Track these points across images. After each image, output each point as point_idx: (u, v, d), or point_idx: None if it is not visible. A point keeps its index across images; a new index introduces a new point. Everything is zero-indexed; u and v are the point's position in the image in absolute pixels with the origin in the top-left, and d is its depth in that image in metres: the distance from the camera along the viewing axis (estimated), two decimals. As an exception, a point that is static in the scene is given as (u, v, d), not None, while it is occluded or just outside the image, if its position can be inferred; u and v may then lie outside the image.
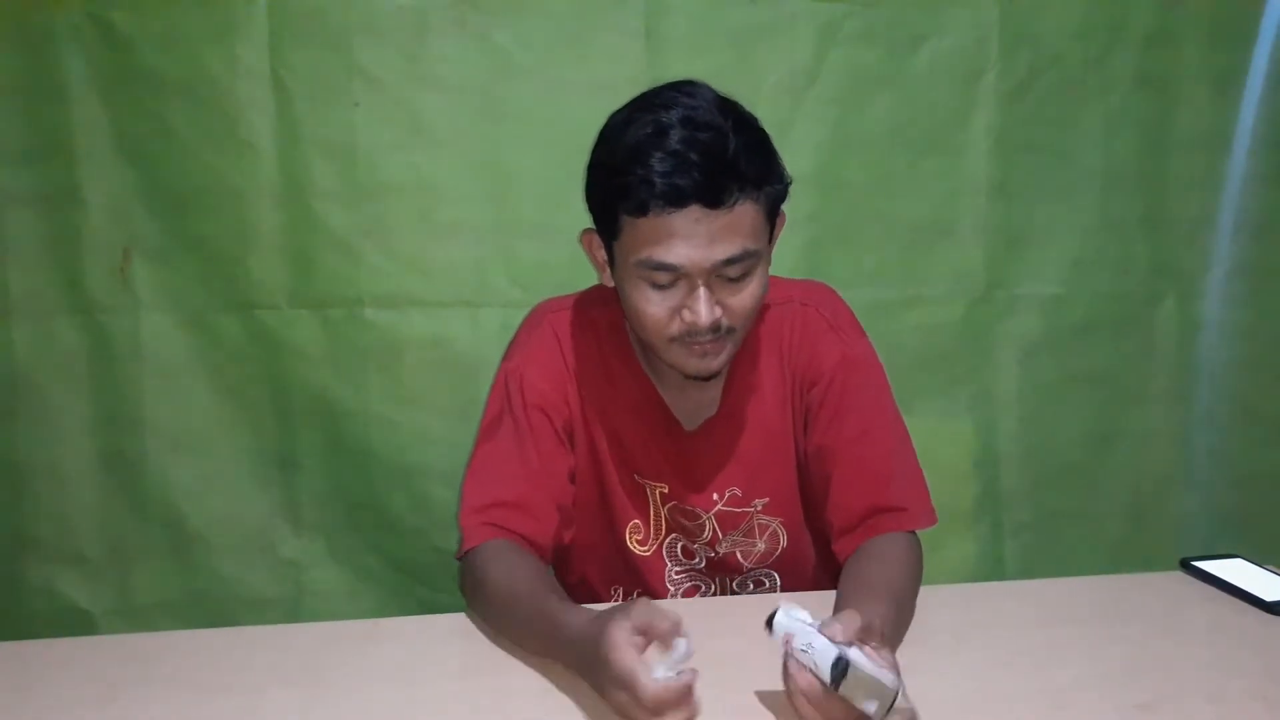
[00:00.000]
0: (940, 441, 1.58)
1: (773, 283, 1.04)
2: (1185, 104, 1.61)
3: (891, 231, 1.57)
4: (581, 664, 0.80)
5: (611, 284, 1.02)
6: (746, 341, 1.05)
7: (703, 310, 0.93)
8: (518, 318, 1.46)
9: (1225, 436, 1.70)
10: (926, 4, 1.53)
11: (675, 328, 0.96)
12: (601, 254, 1.02)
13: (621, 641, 0.74)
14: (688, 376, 1.02)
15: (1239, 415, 1.70)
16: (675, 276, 0.93)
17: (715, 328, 0.95)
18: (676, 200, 0.90)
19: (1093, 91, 1.59)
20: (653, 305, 0.96)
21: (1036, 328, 1.62)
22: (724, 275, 0.94)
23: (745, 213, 0.92)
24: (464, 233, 1.49)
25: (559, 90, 1.47)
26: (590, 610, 0.83)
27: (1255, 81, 1.63)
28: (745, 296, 0.96)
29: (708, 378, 1.02)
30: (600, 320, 1.10)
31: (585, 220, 1.55)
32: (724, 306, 0.95)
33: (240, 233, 1.46)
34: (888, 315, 1.51)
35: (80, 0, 1.40)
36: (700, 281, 0.93)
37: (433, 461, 1.52)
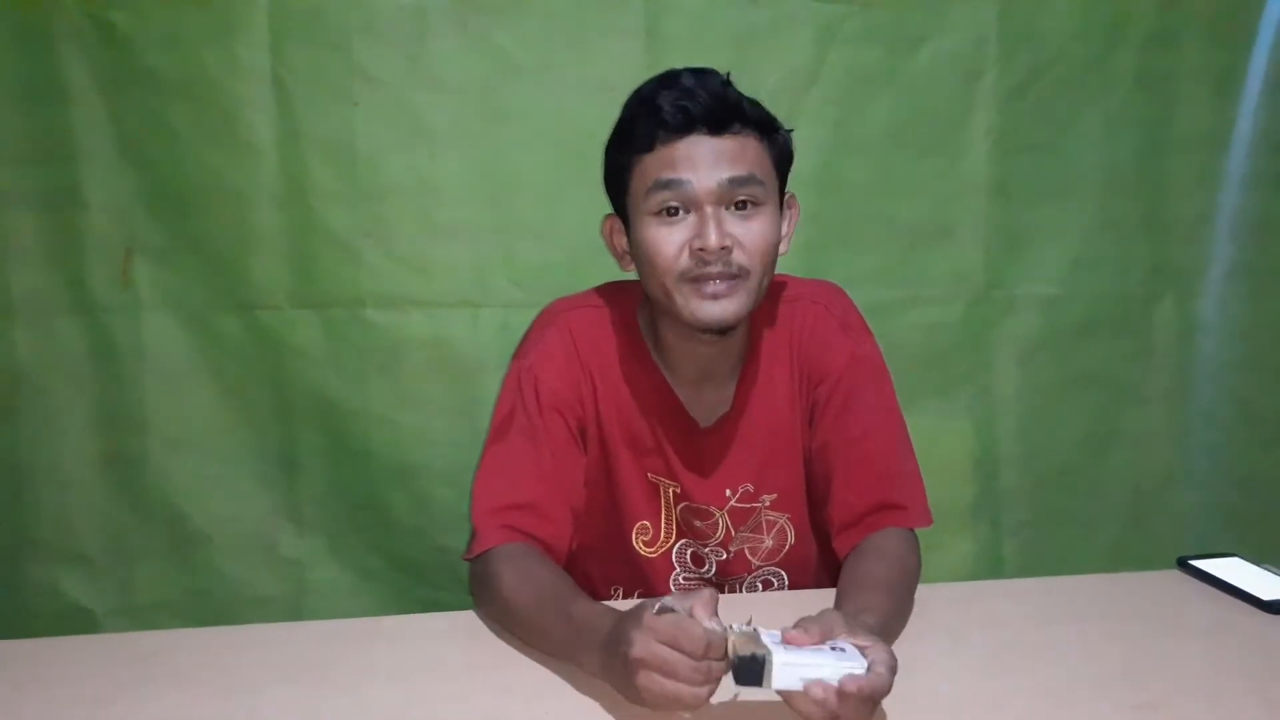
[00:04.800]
0: (940, 441, 1.58)
1: (783, 281, 1.04)
2: (1185, 104, 1.61)
3: (891, 232, 1.57)
4: (606, 656, 0.79)
5: (630, 269, 1.03)
6: (758, 337, 1.05)
7: (711, 232, 0.95)
8: (518, 318, 1.48)
9: (1224, 436, 1.70)
10: (926, 4, 1.53)
11: (685, 261, 0.97)
12: (621, 240, 1.03)
13: (653, 612, 0.75)
14: (699, 329, 1.00)
15: (1238, 415, 1.70)
16: (684, 199, 0.96)
17: (726, 261, 0.96)
18: (683, 126, 0.95)
19: (1092, 92, 1.59)
20: (664, 240, 0.97)
21: (1036, 328, 1.63)
22: (731, 201, 0.96)
23: (749, 144, 0.97)
24: (464, 233, 1.49)
25: (559, 90, 1.47)
26: (617, 610, 0.83)
27: (1255, 82, 1.63)
28: (754, 233, 0.97)
29: (720, 331, 1.00)
30: (615, 318, 1.10)
31: (585, 220, 1.55)
32: (734, 240, 0.96)
33: (241, 233, 1.46)
34: (887, 315, 1.51)
35: (80, 1, 1.40)
36: (708, 207, 0.96)
37: (433, 461, 1.52)
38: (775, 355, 1.10)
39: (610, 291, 1.13)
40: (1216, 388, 1.69)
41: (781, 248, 1.03)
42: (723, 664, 0.72)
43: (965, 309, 1.61)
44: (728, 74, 1.00)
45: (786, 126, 1.01)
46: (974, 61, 1.55)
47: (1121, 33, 1.58)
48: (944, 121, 1.56)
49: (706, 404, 1.10)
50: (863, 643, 0.75)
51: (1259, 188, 1.65)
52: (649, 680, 0.74)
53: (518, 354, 1.10)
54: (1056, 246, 1.62)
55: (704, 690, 0.73)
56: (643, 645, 0.74)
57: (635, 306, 1.10)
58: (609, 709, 0.81)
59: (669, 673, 0.73)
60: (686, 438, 1.10)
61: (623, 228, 1.02)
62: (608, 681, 0.81)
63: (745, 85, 0.99)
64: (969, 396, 1.63)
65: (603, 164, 1.02)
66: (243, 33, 1.42)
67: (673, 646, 0.73)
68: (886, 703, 0.81)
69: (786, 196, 1.03)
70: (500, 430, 1.06)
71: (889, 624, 0.87)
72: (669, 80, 0.98)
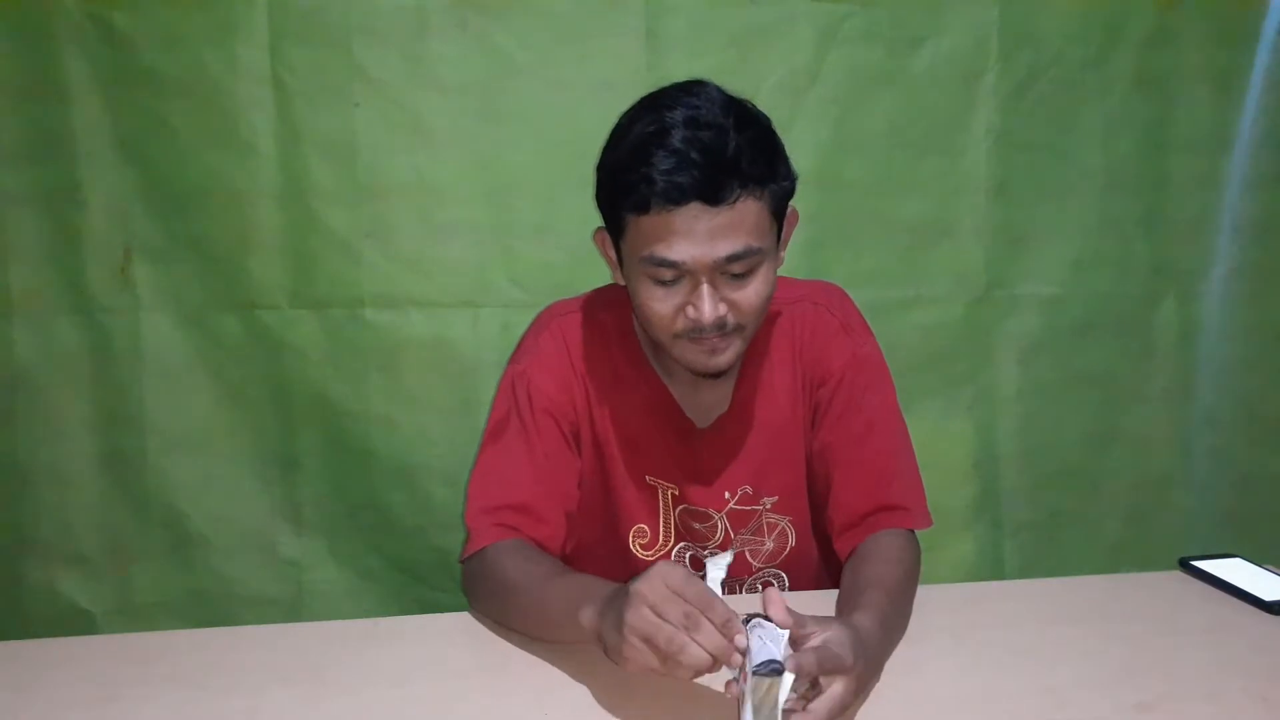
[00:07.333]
0: (940, 441, 1.58)
1: (785, 283, 1.04)
2: (1185, 104, 1.61)
3: (891, 231, 1.57)
4: (607, 604, 0.80)
5: (623, 282, 1.02)
6: (758, 339, 1.05)
7: (706, 307, 0.94)
8: (518, 318, 1.47)
9: (1225, 437, 1.70)
10: (926, 4, 1.53)
11: (680, 324, 0.96)
12: (612, 252, 1.02)
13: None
14: (696, 374, 1.02)
15: (1238, 415, 1.70)
16: (679, 273, 0.94)
17: (720, 325, 0.95)
18: (677, 198, 0.90)
19: (1093, 91, 1.59)
20: (658, 302, 0.96)
21: (1036, 328, 1.63)
22: (728, 272, 0.94)
23: (748, 210, 0.92)
24: (464, 233, 1.49)
25: (559, 90, 1.47)
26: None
27: (1255, 82, 1.63)
28: (750, 294, 0.96)
29: (716, 375, 1.02)
30: (609, 322, 1.10)
31: (585, 220, 1.54)
32: (729, 303, 0.95)
33: (240, 233, 1.46)
34: (888, 315, 1.51)
35: (80, 1, 1.40)
36: (704, 278, 0.93)
37: (433, 461, 1.52)
38: (776, 357, 1.09)
39: (606, 294, 1.13)
40: (1217, 388, 1.69)
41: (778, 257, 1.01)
42: (714, 633, 0.73)
43: (965, 309, 1.61)
44: (729, 118, 0.91)
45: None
46: (974, 61, 1.55)
47: (1121, 33, 1.58)
48: (944, 121, 1.56)
49: (703, 405, 1.10)
50: (816, 639, 0.75)
51: (1260, 188, 1.65)
52: (638, 616, 0.74)
53: (512, 359, 1.11)
54: (1057, 246, 1.62)
55: (680, 649, 0.72)
56: (648, 581, 0.75)
57: (631, 309, 1.10)
58: (609, 709, 0.81)
59: (661, 612, 0.74)
60: (684, 439, 1.10)
61: (614, 243, 1.01)
62: (599, 637, 0.80)
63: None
64: (969, 396, 1.63)
65: (595, 181, 0.99)
66: (243, 33, 1.42)
67: (677, 593, 0.74)
68: (888, 702, 0.81)
69: (787, 213, 1.00)
70: (495, 433, 1.07)
71: (888, 623, 0.87)
72: (662, 134, 0.90)
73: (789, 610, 0.76)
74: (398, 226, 1.48)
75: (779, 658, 0.70)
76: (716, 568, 0.77)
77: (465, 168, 1.48)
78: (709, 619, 0.73)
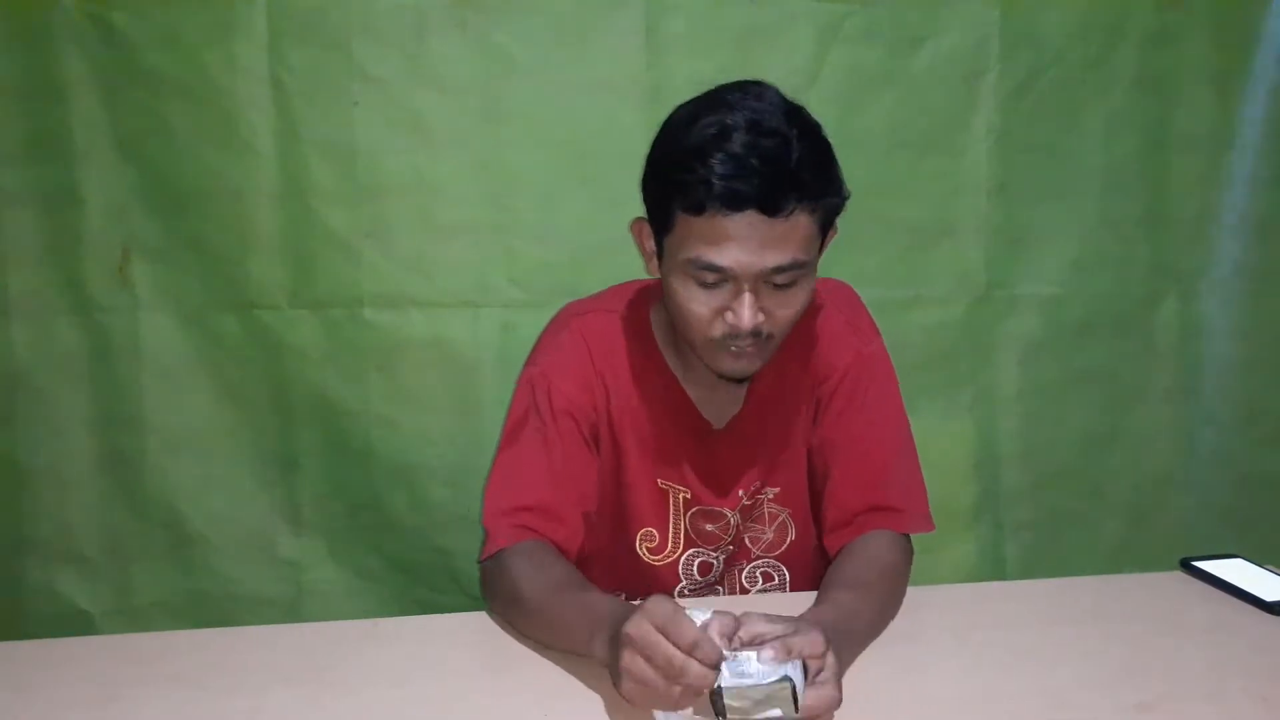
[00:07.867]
0: (941, 441, 1.58)
1: None
2: (1185, 104, 1.61)
3: (892, 232, 1.57)
4: (612, 640, 0.80)
5: (657, 275, 1.02)
6: None
7: (746, 314, 0.93)
8: (518, 318, 1.47)
9: (1226, 437, 1.70)
10: (926, 4, 1.52)
11: (718, 329, 0.96)
12: (650, 244, 1.01)
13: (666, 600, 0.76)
14: (722, 378, 1.02)
15: (1239, 415, 1.70)
16: (722, 277, 0.93)
17: (756, 332, 0.95)
18: (734, 204, 0.89)
19: (1093, 91, 1.59)
20: (697, 303, 0.95)
21: (1037, 328, 1.62)
22: (771, 282, 0.93)
23: (800, 223, 0.91)
24: (464, 233, 1.49)
25: (559, 90, 1.47)
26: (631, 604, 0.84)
27: (1256, 81, 1.63)
28: (790, 306, 0.96)
29: (741, 381, 1.02)
30: (628, 321, 1.10)
31: (585, 220, 1.55)
32: (767, 313, 0.95)
33: (240, 233, 1.46)
34: (888, 315, 1.49)
35: (80, 0, 1.40)
36: (747, 286, 0.93)
37: (433, 461, 1.52)
38: (785, 354, 1.09)
39: (623, 293, 1.13)
40: (1218, 388, 1.69)
41: None
42: (703, 672, 0.72)
43: (966, 309, 1.61)
44: (792, 128, 0.91)
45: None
46: (974, 61, 1.55)
47: (1122, 32, 1.58)
48: (944, 121, 1.56)
49: (719, 405, 1.10)
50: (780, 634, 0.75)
51: (1260, 187, 1.65)
52: (631, 660, 0.75)
53: (530, 359, 1.10)
54: (1057, 246, 1.62)
55: (674, 689, 0.73)
56: (636, 624, 0.75)
57: (649, 308, 1.10)
58: (610, 711, 0.81)
59: (649, 656, 0.74)
60: (700, 440, 1.10)
61: (653, 236, 1.00)
62: (609, 668, 0.80)
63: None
64: (970, 396, 1.62)
65: (643, 174, 0.98)
66: (242, 33, 1.42)
67: (662, 633, 0.74)
68: (889, 703, 0.81)
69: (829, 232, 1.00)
70: (513, 435, 1.06)
71: (853, 619, 0.87)
72: (723, 137, 0.89)
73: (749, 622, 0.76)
74: (398, 226, 1.48)
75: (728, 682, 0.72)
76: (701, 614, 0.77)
77: (465, 168, 1.48)
78: (695, 658, 0.73)
